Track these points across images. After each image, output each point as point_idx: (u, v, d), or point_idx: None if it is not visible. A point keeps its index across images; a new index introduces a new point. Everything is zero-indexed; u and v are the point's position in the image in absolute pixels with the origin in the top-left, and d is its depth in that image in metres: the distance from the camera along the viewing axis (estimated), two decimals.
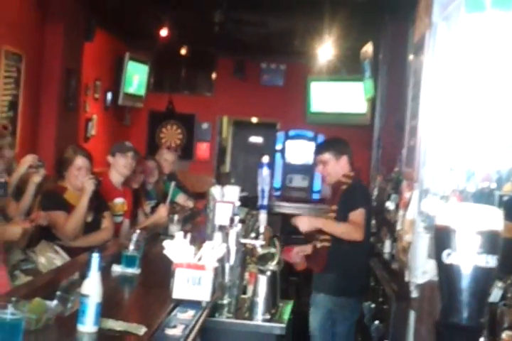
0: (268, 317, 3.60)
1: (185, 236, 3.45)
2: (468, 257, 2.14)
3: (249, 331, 3.55)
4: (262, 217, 3.93)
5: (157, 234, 5.27)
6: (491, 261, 2.16)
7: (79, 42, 9.19)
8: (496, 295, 2.85)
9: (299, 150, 11.46)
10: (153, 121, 12.54)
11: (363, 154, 10.60)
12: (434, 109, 3.68)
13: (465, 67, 3.56)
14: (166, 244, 3.42)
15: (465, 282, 2.12)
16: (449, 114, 3.62)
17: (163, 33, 9.88)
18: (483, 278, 2.14)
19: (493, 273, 2.22)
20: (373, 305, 5.54)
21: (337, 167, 4.93)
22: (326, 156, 4.95)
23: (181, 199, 7.08)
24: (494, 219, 2.22)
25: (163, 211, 5.93)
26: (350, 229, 4.67)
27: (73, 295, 2.72)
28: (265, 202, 3.95)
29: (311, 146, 10.74)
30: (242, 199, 4.41)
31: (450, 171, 3.57)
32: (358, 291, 5.04)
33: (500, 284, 2.95)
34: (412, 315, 3.65)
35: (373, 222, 6.70)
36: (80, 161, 5.07)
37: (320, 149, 5.13)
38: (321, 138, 11.63)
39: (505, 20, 2.94)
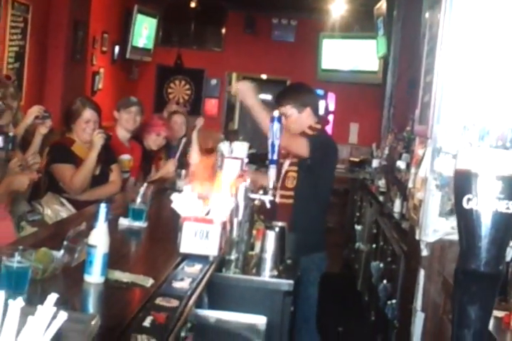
0: (275, 273, 3.56)
1: (192, 190, 3.40)
2: (489, 202, 2.05)
3: (257, 287, 3.51)
4: (272, 172, 3.87)
5: (165, 189, 5.22)
6: (511, 207, 2.07)
7: None
8: (507, 253, 2.80)
9: None
10: (161, 76, 12.41)
11: (374, 113, 10.54)
12: (450, 64, 3.59)
13: (483, 20, 3.47)
14: (174, 197, 3.37)
15: (484, 228, 2.04)
16: (466, 69, 3.54)
17: None
18: (503, 224, 2.06)
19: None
20: (381, 265, 5.52)
21: (300, 120, 4.49)
22: (288, 109, 4.47)
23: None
24: None
25: (170, 166, 5.91)
26: (295, 139, 4.31)
27: (80, 245, 2.67)
28: (275, 156, 3.88)
29: (321, 104, 10.61)
30: (250, 156, 4.34)
31: (464, 129, 3.49)
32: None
33: None
34: (422, 274, 3.61)
35: (383, 181, 6.67)
36: (88, 114, 5.00)
37: (280, 100, 4.57)
38: (331, 96, 11.54)
39: None
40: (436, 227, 3.44)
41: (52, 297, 1.32)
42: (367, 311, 6.13)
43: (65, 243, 2.66)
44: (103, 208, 2.59)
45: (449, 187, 3.50)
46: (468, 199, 2.04)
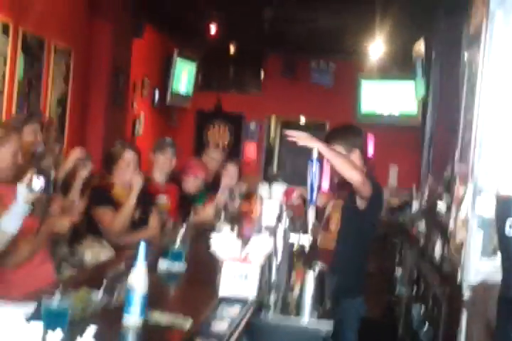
0: (315, 315, 3.51)
1: (232, 230, 3.39)
2: None
3: (296, 331, 3.46)
4: (311, 212, 3.85)
5: (204, 231, 5.21)
6: None
7: (128, 39, 9.18)
8: None
9: None
10: (200, 121, 12.51)
11: (413, 155, 10.47)
12: (490, 102, 3.57)
13: None
14: (213, 237, 3.37)
15: None
16: (507, 107, 3.51)
17: (212, 30, 9.86)
18: None
19: None
20: (423, 310, 5.43)
21: None
22: (337, 149, 4.32)
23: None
24: None
25: (210, 209, 5.93)
26: (352, 166, 4.09)
27: (119, 285, 2.66)
28: (314, 197, 3.86)
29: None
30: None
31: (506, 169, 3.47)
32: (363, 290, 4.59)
33: None
34: (464, 317, 3.54)
35: (423, 223, 6.59)
36: (128, 155, 5.06)
37: (330, 140, 4.43)
38: (370, 138, 11.50)
39: None
40: (478, 268, 3.38)
41: (92, 329, 1.31)
42: None
43: (104, 283, 2.67)
44: (142, 247, 2.60)
45: (491, 227, 3.46)
46: (510, 226, 1.97)
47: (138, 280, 2.56)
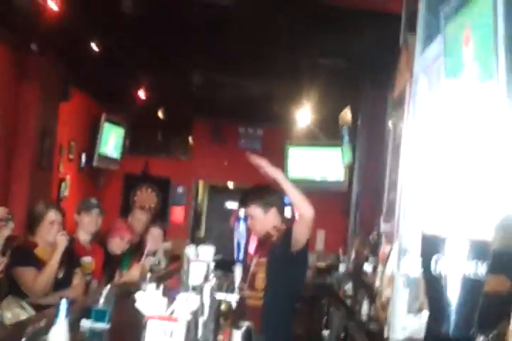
0: None
1: (157, 288, 3.33)
2: (458, 267, 1.99)
3: None
4: (238, 270, 3.83)
5: (129, 292, 5.11)
6: (480, 272, 2.01)
7: (54, 103, 9.12)
8: None
9: None
10: (128, 184, 12.43)
11: (340, 220, 10.57)
12: (414, 162, 3.63)
13: (443, 127, 3.53)
14: (138, 295, 3.30)
15: (453, 293, 1.98)
16: (428, 169, 3.58)
17: (140, 94, 9.92)
18: (473, 290, 2.00)
19: (482, 286, 2.07)
20: None
21: (265, 221, 4.43)
22: (253, 209, 4.43)
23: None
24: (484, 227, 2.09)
25: (135, 270, 5.85)
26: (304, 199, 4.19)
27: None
28: (241, 256, 3.86)
29: (288, 211, 10.63)
30: (216, 262, 4.28)
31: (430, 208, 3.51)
32: None
33: (481, 339, 2.85)
34: None
35: (350, 285, 6.61)
36: (52, 215, 5.00)
37: (245, 201, 4.54)
38: None
39: (478, 90, 2.86)
40: (405, 325, 3.38)
41: None
42: None
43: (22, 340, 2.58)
44: (63, 304, 2.53)
45: (416, 285, 3.48)
46: (436, 262, 1.98)
47: (59, 337, 2.48)
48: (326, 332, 7.44)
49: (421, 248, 2.12)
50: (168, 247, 7.00)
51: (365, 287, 5.54)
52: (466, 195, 2.18)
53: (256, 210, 4.43)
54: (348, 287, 6.60)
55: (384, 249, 4.11)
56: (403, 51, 4.24)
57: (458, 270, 1.97)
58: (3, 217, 4.81)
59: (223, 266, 6.26)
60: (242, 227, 3.90)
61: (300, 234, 4.17)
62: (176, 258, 7.14)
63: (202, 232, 12.95)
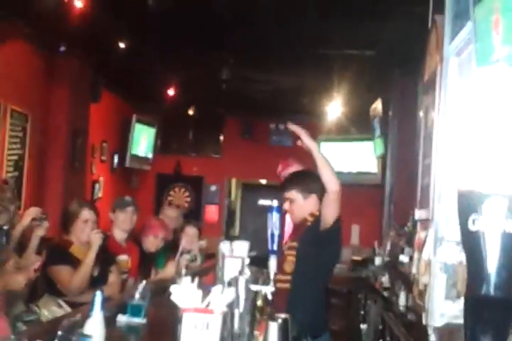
0: None
1: (192, 281, 3.31)
2: (496, 223, 1.92)
3: None
4: (272, 262, 3.80)
5: (165, 288, 5.11)
6: None
7: (85, 103, 9.19)
8: None
9: None
10: (160, 184, 12.46)
11: (374, 213, 10.50)
12: (448, 145, 3.58)
13: (476, 110, 3.47)
14: (173, 288, 3.28)
15: (493, 250, 1.91)
16: (463, 151, 3.52)
17: (170, 93, 9.92)
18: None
19: None
20: None
21: (304, 206, 4.39)
22: (294, 194, 4.40)
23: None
24: None
25: (170, 267, 5.85)
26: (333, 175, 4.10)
27: (75, 335, 2.56)
28: (275, 247, 3.82)
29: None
30: (251, 259, 4.25)
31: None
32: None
33: None
34: None
35: (386, 277, 6.56)
36: (86, 213, 5.01)
37: (287, 185, 4.52)
38: None
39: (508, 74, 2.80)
40: (443, 311, 3.33)
41: None
42: None
43: (59, 333, 2.56)
44: (98, 296, 2.52)
45: (454, 271, 3.43)
46: (474, 221, 1.91)
47: (94, 329, 2.47)
48: (364, 326, 7.39)
49: (458, 205, 2.04)
50: (203, 245, 6.99)
51: (402, 277, 5.48)
52: (504, 150, 2.11)
53: (296, 195, 4.39)
54: (385, 279, 6.55)
55: (419, 235, 4.05)
56: (432, 33, 4.18)
57: (496, 226, 1.90)
58: (38, 216, 4.86)
59: (258, 262, 6.24)
60: (275, 218, 3.86)
61: (328, 210, 4.11)
62: (210, 257, 7.12)
63: (236, 230, 12.94)
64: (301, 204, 4.40)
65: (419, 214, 4.27)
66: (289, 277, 4.27)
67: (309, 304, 4.23)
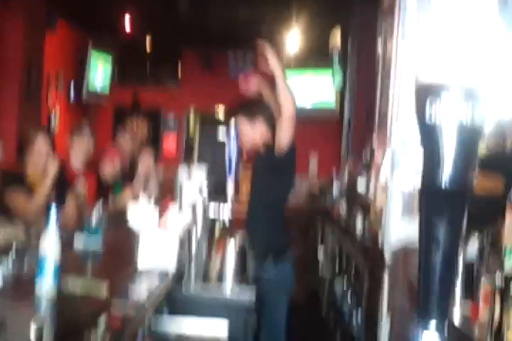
0: (237, 286, 3.44)
1: (149, 201, 3.31)
2: (452, 115, 1.89)
3: (218, 302, 3.40)
4: (229, 182, 3.82)
5: (122, 214, 5.11)
6: (475, 119, 1.89)
7: (40, 31, 8.94)
8: (472, 252, 2.73)
9: None
10: (118, 117, 12.29)
11: (332, 147, 10.53)
12: (406, 70, 3.57)
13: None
14: (130, 207, 3.28)
15: (449, 142, 1.89)
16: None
17: (127, 23, 9.71)
18: (468, 138, 1.90)
19: (478, 135, 1.95)
20: (345, 286, 5.44)
21: (252, 132, 4.31)
22: (240, 121, 4.34)
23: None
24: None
25: (127, 195, 5.85)
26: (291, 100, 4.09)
27: (29, 253, 2.55)
28: (232, 168, 3.84)
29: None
30: (209, 186, 4.24)
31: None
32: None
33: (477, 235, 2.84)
34: (386, 282, 3.52)
35: (344, 205, 6.61)
36: (40, 143, 4.92)
37: (233, 114, 4.48)
38: None
39: None
40: (399, 233, 3.36)
41: None
42: (333, 336, 6.00)
43: (13, 251, 2.55)
44: (53, 210, 2.49)
45: (410, 195, 3.46)
46: (431, 115, 1.89)
47: (49, 246, 2.45)
48: (321, 255, 7.49)
49: (415, 98, 2.00)
50: (159, 175, 6.94)
51: (359, 205, 5.52)
52: (462, 42, 2.05)
53: (243, 121, 4.33)
54: (342, 208, 6.59)
55: (376, 160, 4.07)
56: None
57: (453, 117, 1.88)
58: None
59: (216, 190, 6.25)
60: (232, 142, 3.86)
61: (282, 134, 4.09)
62: (169, 183, 7.11)
63: (194, 161, 12.90)
64: (248, 130, 4.33)
65: (377, 138, 4.28)
66: (245, 206, 4.29)
67: (268, 230, 4.23)
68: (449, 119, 1.85)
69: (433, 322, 1.70)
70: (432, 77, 1.92)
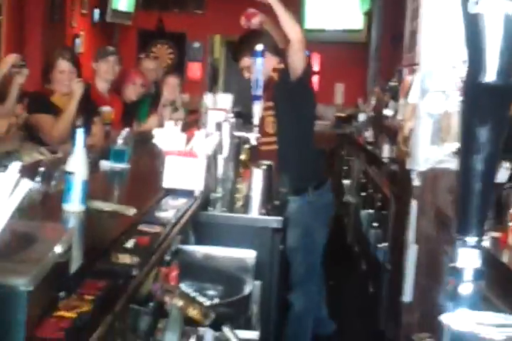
0: (263, 212, 3.45)
1: (176, 125, 3.28)
2: (499, 5, 1.77)
3: (245, 224, 3.41)
4: (256, 108, 3.77)
5: (148, 139, 5.09)
6: None
7: None
8: (502, 176, 2.70)
9: None
10: (142, 40, 12.18)
11: (359, 72, 10.38)
12: None
13: None
14: (156, 132, 3.25)
15: (494, 34, 1.77)
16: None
17: None
18: None
19: None
20: (371, 212, 5.44)
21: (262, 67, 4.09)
22: (246, 60, 4.24)
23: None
24: None
25: (153, 120, 5.84)
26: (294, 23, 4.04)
27: (57, 171, 2.54)
28: (259, 92, 3.77)
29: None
30: (235, 114, 4.19)
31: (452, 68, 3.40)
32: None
33: (507, 164, 2.80)
34: (414, 206, 3.49)
35: (370, 131, 6.57)
36: (62, 64, 4.87)
37: (237, 54, 4.41)
38: (315, 56, 11.35)
39: None
40: (427, 155, 3.32)
41: (16, 165, 1.21)
42: (358, 262, 6.04)
43: (40, 170, 2.54)
44: (80, 133, 2.47)
45: (440, 118, 3.40)
46: (476, 2, 1.77)
47: (77, 164, 2.44)
48: (347, 181, 7.48)
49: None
50: (185, 99, 6.92)
51: (386, 131, 5.48)
52: None
53: (249, 60, 4.20)
54: (368, 134, 6.55)
55: (406, 80, 3.99)
56: None
57: (498, 8, 1.76)
58: (17, 63, 4.74)
59: (242, 119, 6.23)
60: (259, 62, 3.78)
61: (295, 59, 4.04)
62: (194, 113, 7.08)
63: (220, 88, 12.81)
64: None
65: (406, 59, 4.19)
66: (272, 138, 4.25)
67: (300, 161, 4.23)
68: (494, 9, 1.72)
69: (473, 239, 1.66)
70: None
